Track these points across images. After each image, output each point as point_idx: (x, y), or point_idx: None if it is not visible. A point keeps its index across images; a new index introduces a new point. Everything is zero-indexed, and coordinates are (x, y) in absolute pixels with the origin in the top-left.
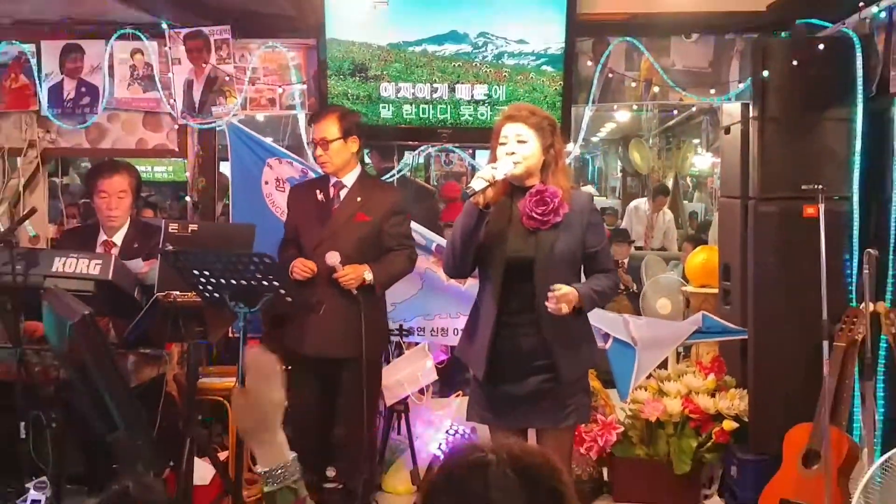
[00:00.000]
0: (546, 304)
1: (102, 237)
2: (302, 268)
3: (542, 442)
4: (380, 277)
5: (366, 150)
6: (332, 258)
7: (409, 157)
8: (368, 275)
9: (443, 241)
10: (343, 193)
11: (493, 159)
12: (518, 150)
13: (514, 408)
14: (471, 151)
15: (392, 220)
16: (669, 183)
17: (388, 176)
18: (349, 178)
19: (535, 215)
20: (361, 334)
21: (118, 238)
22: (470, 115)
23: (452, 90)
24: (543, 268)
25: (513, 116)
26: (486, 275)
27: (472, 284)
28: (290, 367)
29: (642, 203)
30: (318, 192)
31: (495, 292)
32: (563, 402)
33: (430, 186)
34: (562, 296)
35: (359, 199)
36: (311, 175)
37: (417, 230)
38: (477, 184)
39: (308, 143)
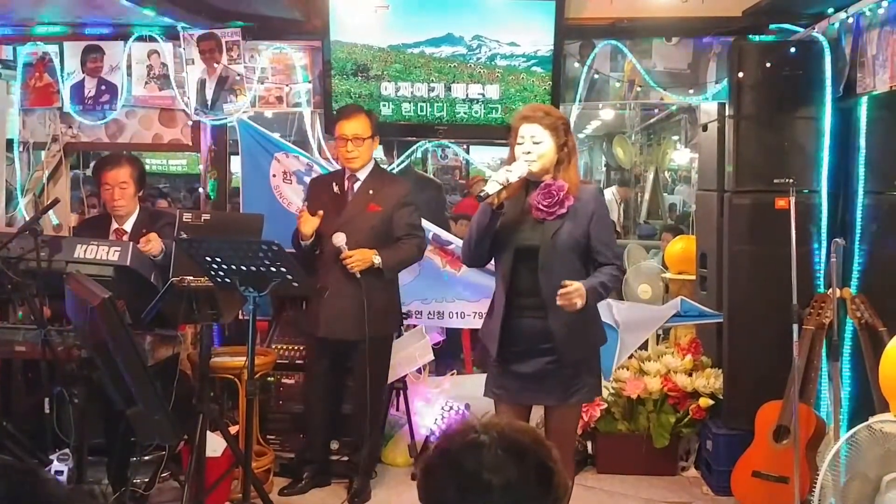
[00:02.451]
0: (557, 300)
1: (114, 225)
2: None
3: (549, 418)
4: (388, 262)
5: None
6: (338, 239)
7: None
8: (377, 258)
9: (440, 232)
10: (357, 186)
11: (512, 155)
12: (533, 150)
13: (523, 386)
14: (465, 146)
15: (402, 211)
16: (650, 177)
17: (389, 169)
18: (363, 172)
19: (542, 207)
20: (366, 317)
21: (128, 226)
22: (465, 113)
23: (448, 89)
24: (547, 255)
25: (529, 117)
26: (499, 261)
27: (465, 272)
28: (304, 349)
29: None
30: (333, 184)
31: (505, 277)
32: (569, 381)
33: (435, 178)
34: (573, 290)
35: (371, 191)
36: (317, 168)
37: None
38: (491, 187)
39: (333, 138)
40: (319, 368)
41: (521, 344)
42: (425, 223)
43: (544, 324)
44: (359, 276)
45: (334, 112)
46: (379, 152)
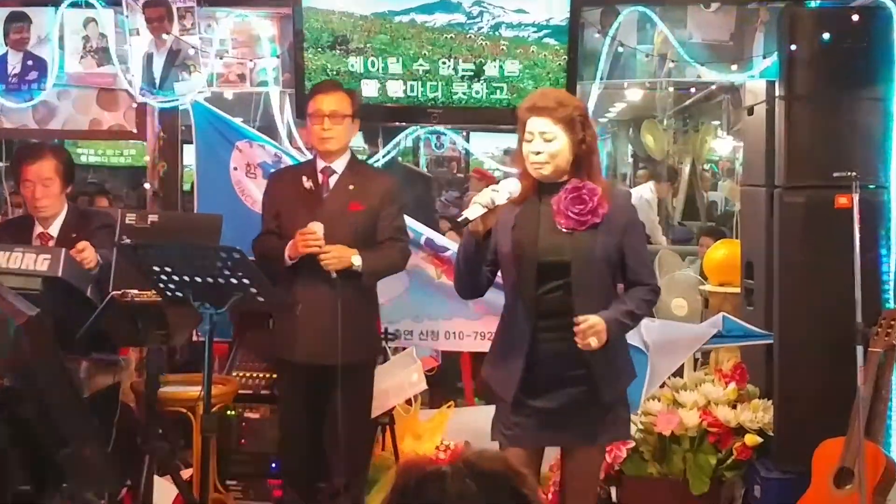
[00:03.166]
0: (574, 339)
1: (38, 229)
2: (310, 240)
3: (568, 460)
4: (369, 265)
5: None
6: (316, 228)
7: (396, 139)
8: (357, 259)
9: (434, 235)
10: (333, 180)
11: (520, 151)
12: (544, 149)
13: (543, 424)
14: (465, 133)
15: (388, 210)
16: (686, 169)
17: (372, 160)
18: (339, 164)
19: (572, 214)
20: (339, 332)
21: (54, 229)
22: (463, 94)
23: (444, 65)
24: (582, 272)
25: (538, 109)
26: (513, 283)
27: None
28: (277, 376)
29: (645, 191)
30: (304, 178)
31: (527, 303)
32: (600, 415)
33: (425, 172)
34: (588, 328)
35: (351, 186)
36: (287, 160)
37: (405, 221)
38: (473, 212)
39: (304, 117)
40: (298, 400)
41: (545, 374)
42: (417, 225)
43: (576, 348)
44: (334, 275)
45: (307, 93)
46: (359, 140)
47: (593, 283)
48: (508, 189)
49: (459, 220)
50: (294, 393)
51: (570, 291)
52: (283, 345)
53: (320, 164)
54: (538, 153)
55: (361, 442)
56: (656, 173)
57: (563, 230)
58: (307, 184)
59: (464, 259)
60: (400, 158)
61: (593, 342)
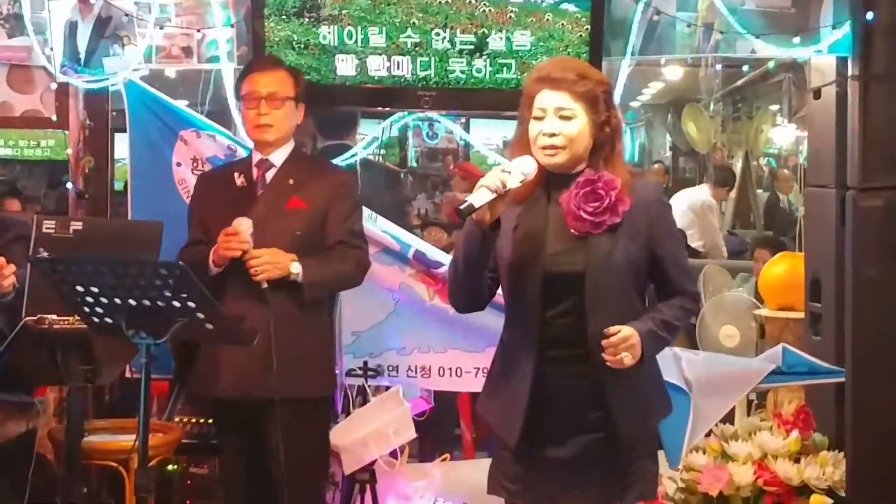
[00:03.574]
0: (603, 355)
1: None
2: (232, 241)
3: None
4: (311, 275)
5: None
6: (244, 226)
7: (377, 129)
8: (295, 266)
9: (426, 247)
10: (270, 175)
11: (523, 135)
12: (560, 130)
13: (552, 477)
14: (463, 121)
15: (337, 207)
16: (738, 165)
17: (347, 155)
18: (278, 156)
19: (585, 214)
20: (273, 359)
21: None
22: (462, 72)
23: (438, 37)
24: (598, 287)
25: (554, 81)
26: (515, 298)
27: None
28: (212, 420)
29: (703, 193)
30: (236, 175)
31: (531, 322)
32: (623, 469)
33: (395, 168)
34: (620, 340)
35: (291, 180)
36: (241, 153)
37: (389, 231)
38: (479, 197)
39: (238, 99)
40: (233, 447)
41: (555, 416)
42: (403, 235)
43: (592, 384)
44: (265, 285)
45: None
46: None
47: (613, 301)
48: (522, 170)
49: (462, 207)
50: (229, 438)
51: (583, 312)
52: (203, 376)
53: (256, 157)
54: (552, 134)
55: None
56: (721, 176)
57: (576, 234)
58: (239, 181)
59: (464, 257)
60: (382, 152)
61: (626, 359)
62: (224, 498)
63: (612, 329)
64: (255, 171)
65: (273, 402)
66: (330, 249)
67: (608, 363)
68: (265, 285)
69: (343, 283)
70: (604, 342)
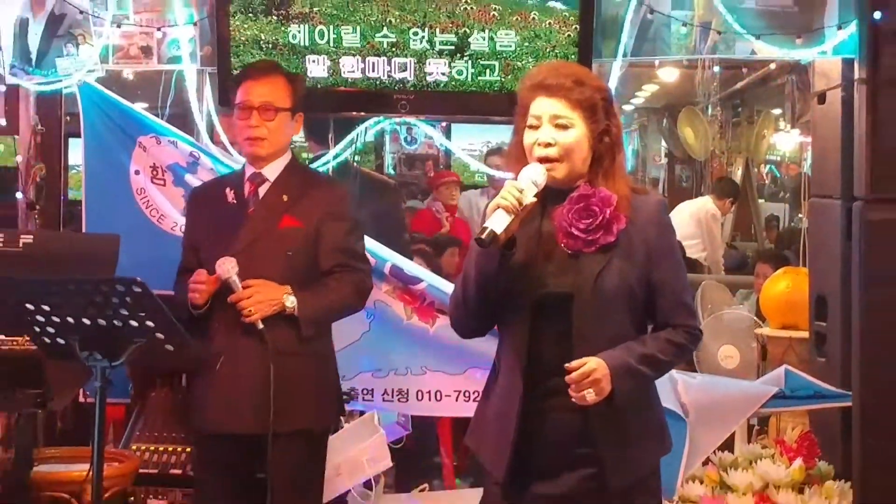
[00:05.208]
0: (569, 391)
1: None
2: (195, 283)
3: None
4: (308, 308)
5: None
6: (225, 268)
7: (352, 134)
8: (290, 300)
9: (403, 262)
10: (263, 190)
11: (518, 145)
12: (557, 139)
13: None
14: (444, 126)
15: (332, 227)
16: (738, 173)
17: (320, 164)
18: (272, 170)
19: (577, 231)
20: (271, 398)
21: None
22: (442, 74)
23: (416, 37)
24: (585, 310)
25: (549, 87)
26: (506, 323)
27: (442, 327)
28: (186, 451)
29: (707, 202)
30: (227, 190)
31: (520, 348)
32: None
33: (389, 179)
34: (582, 375)
35: (285, 196)
36: (206, 161)
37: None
38: (498, 222)
39: (229, 105)
40: (213, 486)
41: (544, 451)
42: (380, 249)
43: (581, 417)
44: (261, 326)
45: (234, 71)
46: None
47: (604, 329)
48: (533, 180)
49: (483, 236)
50: (212, 473)
51: (571, 344)
52: (195, 411)
53: (249, 171)
54: (548, 144)
55: None
56: (724, 187)
57: (567, 252)
58: (230, 197)
59: (478, 280)
60: (357, 159)
61: (589, 396)
62: None
63: (574, 363)
64: (246, 186)
65: (276, 436)
66: (327, 274)
67: (573, 399)
68: (260, 325)
69: (342, 312)
70: (566, 378)
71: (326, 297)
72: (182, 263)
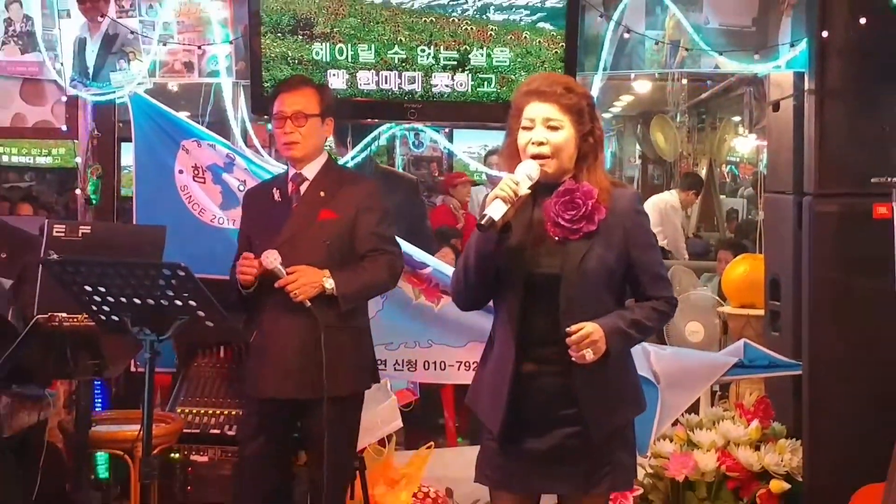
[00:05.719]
0: (569, 351)
1: None
2: (243, 266)
3: None
4: (345, 287)
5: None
6: (270, 260)
7: (367, 138)
8: (329, 282)
9: (412, 249)
10: (304, 188)
11: (512, 145)
12: (549, 139)
13: (532, 468)
14: (447, 131)
15: (365, 217)
16: (702, 172)
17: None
18: (311, 169)
19: (563, 221)
20: (323, 366)
21: None
22: (446, 86)
23: (423, 53)
24: (571, 289)
25: (542, 93)
26: (501, 299)
27: (447, 306)
28: (227, 414)
29: (671, 196)
30: (274, 189)
31: (513, 321)
32: (597, 461)
33: (408, 174)
34: (581, 337)
35: (322, 192)
36: (240, 162)
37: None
38: (496, 210)
39: (264, 119)
40: (254, 446)
41: (534, 411)
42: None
43: (566, 382)
44: (308, 304)
45: (265, 84)
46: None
47: (586, 303)
48: (528, 174)
49: (483, 221)
50: (258, 432)
51: (559, 312)
52: (247, 379)
53: (291, 172)
54: (541, 143)
55: (340, 491)
56: (689, 181)
57: (555, 240)
58: (276, 196)
59: (477, 260)
60: (376, 161)
61: (588, 355)
62: (240, 490)
63: (574, 327)
64: (290, 186)
65: (317, 401)
66: (363, 258)
67: (573, 359)
68: (308, 304)
69: (377, 290)
70: (567, 339)
71: (361, 277)
72: (238, 251)
